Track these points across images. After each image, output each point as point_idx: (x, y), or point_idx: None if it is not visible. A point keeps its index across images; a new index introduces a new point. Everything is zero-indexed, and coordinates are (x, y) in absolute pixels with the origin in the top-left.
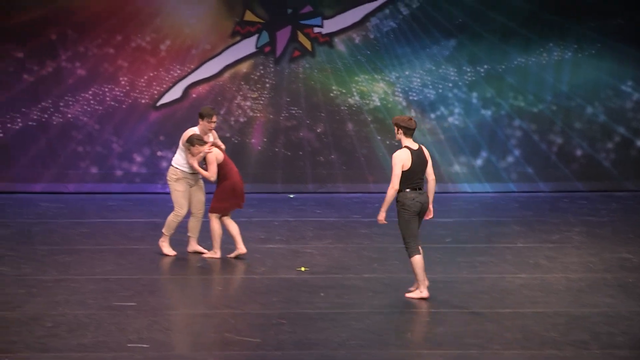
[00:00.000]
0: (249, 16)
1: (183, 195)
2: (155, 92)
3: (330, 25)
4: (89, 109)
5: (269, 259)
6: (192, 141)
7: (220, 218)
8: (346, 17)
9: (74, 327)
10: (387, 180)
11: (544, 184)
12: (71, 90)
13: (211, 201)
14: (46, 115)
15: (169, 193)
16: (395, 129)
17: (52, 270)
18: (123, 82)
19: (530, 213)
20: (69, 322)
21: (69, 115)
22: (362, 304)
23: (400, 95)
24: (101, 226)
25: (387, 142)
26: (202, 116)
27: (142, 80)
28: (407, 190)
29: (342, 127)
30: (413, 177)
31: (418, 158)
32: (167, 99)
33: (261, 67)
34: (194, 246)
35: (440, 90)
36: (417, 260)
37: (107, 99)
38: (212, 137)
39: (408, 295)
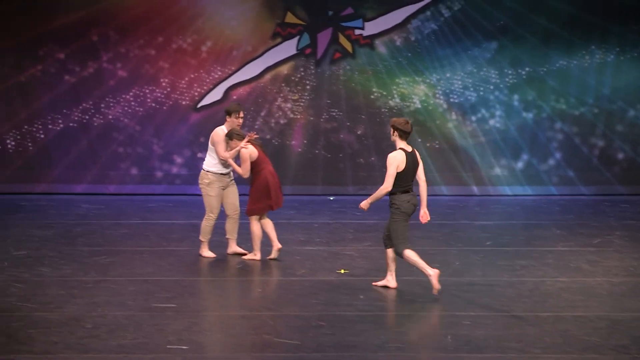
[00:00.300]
0: (290, 18)
1: (216, 200)
2: (196, 93)
3: (372, 27)
4: (129, 110)
5: (309, 261)
6: (232, 135)
7: (259, 219)
8: (387, 19)
9: (113, 328)
10: (428, 183)
11: (585, 188)
12: (112, 92)
13: (247, 203)
14: (87, 117)
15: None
16: (392, 130)
17: (92, 271)
18: (164, 84)
19: (571, 216)
20: (109, 323)
21: (110, 117)
22: (402, 306)
23: (441, 97)
24: (141, 227)
25: (428, 145)
26: (229, 113)
27: (183, 81)
28: (402, 192)
29: (383, 129)
30: (407, 179)
31: (412, 160)
32: (207, 100)
33: (302, 69)
34: (233, 247)
35: (481, 93)
36: (409, 253)
37: (148, 100)
38: None
39: (375, 283)
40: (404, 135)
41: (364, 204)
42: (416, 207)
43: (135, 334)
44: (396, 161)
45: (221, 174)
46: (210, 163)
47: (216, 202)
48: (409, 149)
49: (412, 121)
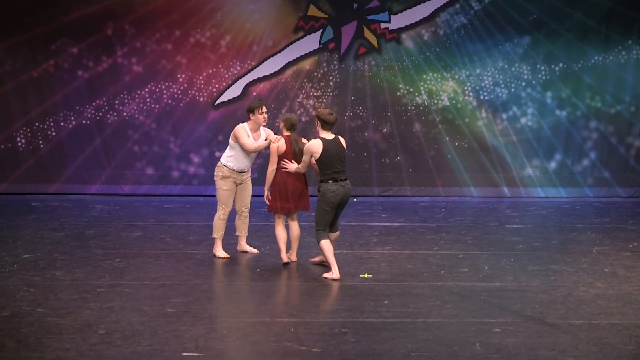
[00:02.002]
0: (313, 11)
1: (228, 194)
2: (215, 90)
3: (398, 21)
4: (145, 107)
5: (329, 267)
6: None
7: (283, 222)
8: (414, 13)
9: (128, 335)
10: (457, 184)
11: (621, 189)
12: (127, 88)
13: None
14: (101, 114)
15: None
16: (316, 120)
17: (106, 275)
18: (181, 80)
19: (607, 219)
20: (123, 329)
21: (125, 114)
22: (429, 313)
23: (471, 94)
24: (157, 230)
25: (457, 144)
26: (251, 110)
27: (201, 77)
28: (330, 181)
29: (410, 127)
30: (329, 167)
31: (334, 148)
32: (226, 97)
33: (325, 65)
34: (243, 245)
35: (513, 90)
36: (325, 244)
37: (165, 96)
38: (264, 134)
39: (324, 275)
40: (326, 125)
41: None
42: (343, 197)
43: (150, 340)
44: (308, 150)
45: (237, 171)
46: (228, 157)
47: (228, 196)
48: (331, 136)
49: (440, 119)
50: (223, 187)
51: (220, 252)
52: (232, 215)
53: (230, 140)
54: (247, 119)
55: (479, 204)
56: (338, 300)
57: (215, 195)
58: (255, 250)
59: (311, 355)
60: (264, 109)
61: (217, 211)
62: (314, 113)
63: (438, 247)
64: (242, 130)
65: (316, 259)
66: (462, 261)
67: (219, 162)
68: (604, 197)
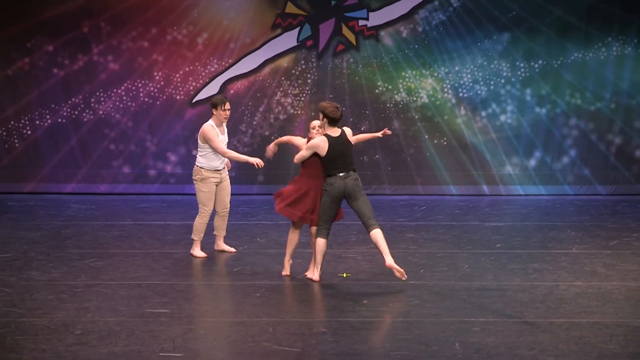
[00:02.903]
0: (291, 8)
1: (208, 196)
2: (192, 88)
3: (376, 18)
4: (121, 106)
5: (310, 264)
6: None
7: (297, 229)
8: (393, 10)
9: (104, 335)
10: (436, 182)
11: (601, 187)
12: (103, 86)
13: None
14: (77, 112)
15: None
16: (321, 115)
17: (82, 275)
18: (158, 78)
19: (587, 217)
20: (100, 330)
21: (101, 112)
22: (409, 312)
23: (450, 91)
24: (134, 229)
25: (436, 142)
26: (214, 105)
27: (178, 75)
28: (331, 176)
29: (388, 125)
30: (335, 163)
31: (339, 144)
32: (203, 95)
33: (303, 62)
34: (220, 245)
35: (492, 87)
36: (320, 243)
37: (141, 95)
38: (225, 131)
39: (306, 273)
40: (332, 122)
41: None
42: (346, 188)
43: (127, 340)
44: (313, 147)
45: (215, 170)
46: (201, 158)
47: (209, 198)
48: (337, 132)
49: (419, 117)
50: (203, 189)
51: (198, 252)
52: (212, 215)
53: (200, 142)
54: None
55: (458, 202)
56: (317, 300)
57: (194, 195)
58: (233, 250)
59: (290, 356)
60: (227, 106)
61: (199, 213)
62: (319, 107)
63: (417, 246)
64: (212, 131)
65: (307, 273)
66: (441, 260)
67: (195, 166)
68: (584, 195)
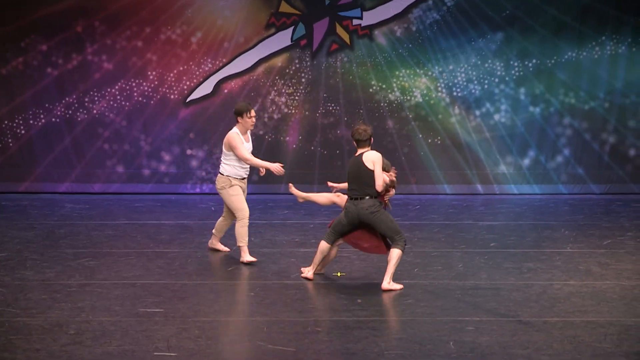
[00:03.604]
0: (285, 7)
1: (239, 199)
2: (186, 87)
3: (370, 17)
4: (115, 105)
5: (305, 264)
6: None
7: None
8: (387, 9)
9: (98, 335)
10: (430, 181)
11: (595, 186)
12: (97, 85)
13: None
14: (71, 112)
15: (199, 194)
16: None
17: (76, 275)
18: (152, 77)
19: (581, 217)
20: (94, 330)
21: (95, 112)
22: (403, 311)
23: (444, 91)
24: (128, 228)
25: (430, 141)
26: (239, 113)
27: (172, 74)
28: (348, 198)
29: (382, 124)
30: (349, 184)
31: (352, 166)
32: (197, 94)
33: (297, 61)
34: (215, 243)
35: (486, 86)
36: (323, 245)
37: (135, 94)
38: (250, 140)
39: (302, 268)
40: (358, 143)
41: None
42: (357, 217)
43: (121, 340)
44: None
45: (240, 178)
46: (226, 166)
47: (241, 200)
48: (359, 152)
49: (413, 116)
50: (232, 193)
51: (247, 257)
52: (217, 215)
53: (224, 149)
54: (220, 117)
55: (452, 201)
56: (311, 299)
57: (188, 195)
58: (227, 249)
59: (284, 355)
60: (253, 113)
61: (237, 219)
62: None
63: (411, 245)
64: (237, 138)
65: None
66: (435, 259)
67: (220, 175)
68: (578, 194)
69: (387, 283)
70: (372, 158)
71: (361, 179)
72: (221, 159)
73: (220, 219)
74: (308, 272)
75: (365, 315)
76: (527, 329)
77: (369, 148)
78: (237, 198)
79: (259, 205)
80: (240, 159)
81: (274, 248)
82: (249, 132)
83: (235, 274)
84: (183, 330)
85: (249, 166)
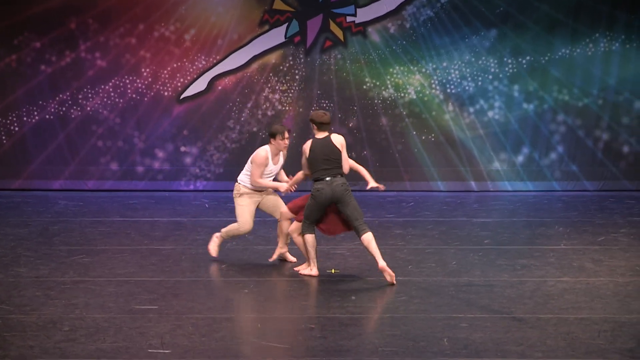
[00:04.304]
0: (279, 4)
1: (245, 210)
2: (179, 84)
3: (364, 14)
4: (109, 102)
5: (298, 261)
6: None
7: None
8: (381, 6)
9: (92, 332)
10: (424, 178)
11: (589, 183)
12: (91, 82)
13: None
14: (64, 109)
15: (192, 191)
16: (312, 124)
17: (70, 272)
18: (145, 74)
19: (574, 213)
20: (88, 326)
21: (89, 109)
22: (397, 308)
23: (438, 87)
24: (122, 225)
25: (423, 138)
26: (273, 135)
27: (166, 71)
28: (316, 181)
29: (376, 121)
30: (316, 166)
31: (322, 146)
32: (191, 91)
33: (291, 58)
34: (283, 254)
35: (480, 83)
36: (309, 239)
37: (129, 91)
38: (282, 159)
39: (297, 268)
40: (321, 126)
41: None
42: (334, 196)
43: (115, 337)
44: (304, 148)
45: (254, 190)
46: (245, 179)
47: (245, 212)
48: (323, 134)
49: (407, 113)
50: (240, 203)
51: (213, 247)
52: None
53: (249, 161)
54: (214, 114)
55: (446, 198)
56: (305, 296)
57: (182, 192)
58: (294, 259)
59: (278, 352)
60: (287, 135)
61: (237, 225)
62: (309, 118)
63: (405, 242)
64: (262, 159)
65: (302, 270)
66: (429, 256)
67: (237, 183)
68: (572, 190)
69: (384, 262)
70: (340, 141)
71: (332, 159)
72: (244, 167)
73: (279, 225)
74: (311, 269)
75: (359, 312)
76: (520, 326)
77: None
78: (243, 209)
79: None
80: (251, 176)
81: (268, 245)
82: (282, 153)
83: (229, 271)
84: (177, 327)
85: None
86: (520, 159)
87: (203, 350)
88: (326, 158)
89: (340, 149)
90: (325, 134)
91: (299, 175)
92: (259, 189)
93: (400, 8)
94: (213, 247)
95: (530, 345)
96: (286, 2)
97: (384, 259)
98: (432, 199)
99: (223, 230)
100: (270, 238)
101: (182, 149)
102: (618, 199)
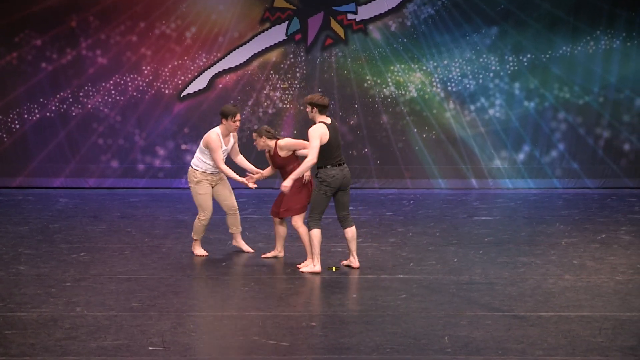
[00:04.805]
0: (279, 2)
1: (206, 197)
2: (180, 82)
3: (365, 12)
4: (110, 100)
5: (299, 259)
6: (261, 132)
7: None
8: (381, 3)
9: (93, 330)
10: (425, 176)
11: (590, 181)
12: (92, 80)
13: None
14: (65, 106)
15: None
16: (310, 107)
17: (71, 270)
18: (146, 72)
19: (575, 211)
20: (89, 324)
21: (89, 107)
22: (397, 306)
23: (439, 85)
24: (123, 223)
25: (424, 136)
26: (225, 115)
27: (167, 69)
28: (328, 166)
29: (377, 119)
30: (332, 151)
31: (334, 131)
32: (192, 89)
33: (291, 56)
34: (238, 242)
35: (480, 81)
36: (317, 233)
37: (130, 89)
38: (232, 139)
39: (300, 266)
40: (323, 109)
41: (287, 182)
42: (344, 180)
43: (116, 335)
44: (318, 132)
45: (209, 172)
46: (198, 160)
47: (206, 199)
48: (329, 120)
49: (408, 110)
50: (199, 192)
51: (198, 250)
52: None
53: (201, 145)
54: (215, 112)
55: (447, 196)
56: (306, 293)
57: (182, 190)
58: (251, 250)
59: (279, 350)
60: (238, 117)
61: (198, 216)
62: (303, 102)
63: (406, 240)
64: (216, 141)
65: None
66: (430, 254)
67: (190, 168)
68: (573, 188)
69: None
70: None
71: (340, 145)
72: (196, 152)
73: (226, 216)
74: (314, 265)
75: (359, 310)
76: (521, 324)
77: None
78: (203, 197)
79: (253, 199)
80: (214, 162)
81: (269, 243)
82: (232, 134)
83: (230, 269)
84: (178, 324)
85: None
86: (521, 156)
87: (204, 348)
88: (339, 144)
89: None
90: (325, 118)
91: (269, 170)
92: (213, 172)
93: (401, 5)
94: (197, 250)
95: (531, 343)
96: (287, 0)
97: (384, 257)
98: (433, 196)
99: (193, 234)
100: (271, 236)
101: (183, 146)
102: (619, 196)
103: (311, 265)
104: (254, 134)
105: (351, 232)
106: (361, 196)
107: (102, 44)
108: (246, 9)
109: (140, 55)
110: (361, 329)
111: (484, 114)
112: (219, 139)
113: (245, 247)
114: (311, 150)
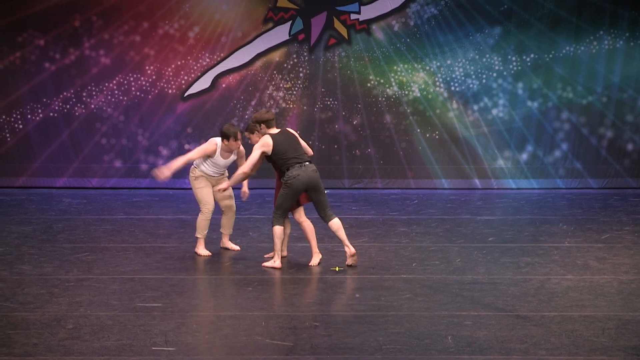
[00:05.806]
0: (283, 2)
1: (206, 191)
2: (183, 82)
3: (368, 12)
4: (113, 100)
5: (302, 258)
6: (253, 129)
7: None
8: (385, 3)
9: (96, 329)
10: (428, 176)
11: (593, 181)
12: (95, 80)
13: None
14: (68, 106)
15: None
16: (258, 126)
17: (74, 269)
18: (149, 72)
19: (579, 211)
20: (92, 324)
21: (93, 106)
22: (401, 306)
23: (442, 85)
24: (126, 223)
25: (427, 136)
26: (226, 136)
27: (170, 69)
28: (290, 168)
29: (380, 119)
30: (287, 155)
31: (284, 137)
32: (195, 89)
33: (295, 56)
34: (225, 242)
35: (484, 81)
36: (278, 230)
37: (133, 89)
38: (234, 156)
39: (264, 264)
40: (270, 122)
41: (223, 185)
42: (310, 179)
43: (119, 335)
44: (260, 144)
45: (210, 175)
46: (199, 163)
47: (207, 193)
48: (276, 130)
49: (411, 110)
50: (198, 186)
51: (201, 250)
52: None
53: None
54: (218, 111)
55: (450, 196)
56: (309, 293)
57: (185, 189)
58: (237, 248)
59: (282, 350)
60: (239, 136)
61: (200, 212)
62: (251, 122)
63: (409, 240)
64: (210, 146)
65: (266, 263)
66: (433, 254)
67: (192, 166)
68: (576, 188)
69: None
70: (294, 132)
71: (297, 146)
72: None
73: (222, 216)
74: (275, 262)
75: (363, 310)
76: (524, 324)
77: None
78: (202, 190)
79: (256, 199)
80: (192, 153)
81: (272, 243)
82: (235, 151)
83: (233, 269)
84: (181, 324)
85: (219, 169)
86: (524, 156)
87: (207, 348)
88: (293, 147)
89: (297, 136)
90: (277, 129)
91: (238, 175)
92: (214, 174)
93: (404, 6)
94: (201, 250)
95: (534, 343)
96: (290, 0)
97: (387, 257)
98: (436, 196)
99: (197, 235)
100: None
101: (186, 146)
102: (622, 196)
103: (271, 262)
104: (246, 133)
105: (335, 224)
106: (364, 196)
107: (105, 44)
108: (249, 9)
109: (143, 55)
110: (364, 328)
111: (487, 114)
112: (214, 150)
113: (232, 247)
114: (247, 162)
